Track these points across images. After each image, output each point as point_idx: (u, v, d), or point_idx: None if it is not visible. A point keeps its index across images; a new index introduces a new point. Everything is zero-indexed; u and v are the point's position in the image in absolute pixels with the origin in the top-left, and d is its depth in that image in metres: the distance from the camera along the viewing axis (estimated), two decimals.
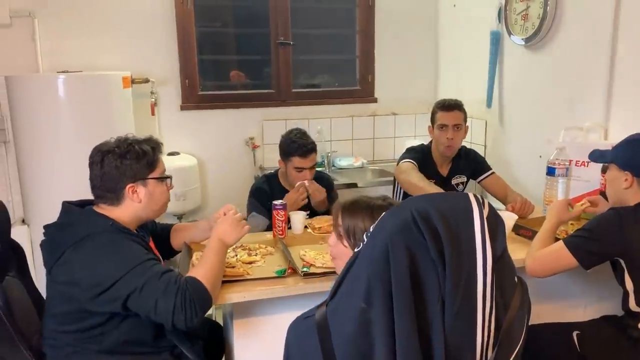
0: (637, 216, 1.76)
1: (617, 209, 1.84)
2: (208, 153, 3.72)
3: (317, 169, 3.38)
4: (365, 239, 1.05)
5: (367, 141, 4.12)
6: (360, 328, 0.99)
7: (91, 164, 1.72)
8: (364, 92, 4.06)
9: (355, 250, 1.07)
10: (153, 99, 3.46)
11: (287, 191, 2.60)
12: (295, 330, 1.10)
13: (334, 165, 3.90)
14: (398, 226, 1.01)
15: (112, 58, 3.37)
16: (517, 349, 1.11)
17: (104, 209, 1.73)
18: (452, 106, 2.73)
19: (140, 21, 3.44)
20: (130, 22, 3.42)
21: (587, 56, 2.64)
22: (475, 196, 1.06)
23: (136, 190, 1.72)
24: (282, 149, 2.59)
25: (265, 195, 2.58)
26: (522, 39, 3.04)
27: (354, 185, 3.52)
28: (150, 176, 1.74)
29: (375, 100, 4.07)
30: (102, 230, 1.66)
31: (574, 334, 1.92)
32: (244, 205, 2.62)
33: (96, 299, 1.57)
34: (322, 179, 2.78)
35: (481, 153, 3.51)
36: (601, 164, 2.28)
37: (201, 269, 1.65)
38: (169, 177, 1.82)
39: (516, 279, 1.12)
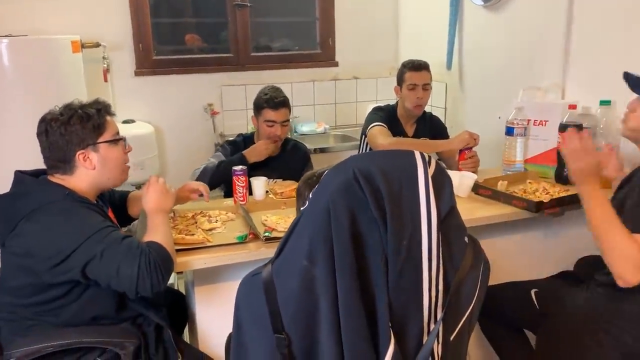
0: None
1: None
2: (165, 120, 3.61)
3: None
4: (311, 197, 1.04)
5: (330, 106, 4.07)
6: (304, 285, 0.99)
7: (38, 135, 1.65)
8: (325, 56, 3.99)
9: (301, 209, 1.06)
10: (105, 65, 3.31)
11: None
12: (244, 287, 1.09)
13: (296, 131, 3.84)
14: (339, 185, 0.99)
15: (60, 22, 3.19)
16: (469, 309, 1.10)
17: (61, 179, 1.66)
18: (421, 66, 2.76)
19: None
20: None
21: (545, 16, 2.65)
22: (421, 154, 1.04)
23: (88, 157, 1.65)
24: (255, 104, 2.59)
25: (237, 149, 2.59)
26: None
27: (318, 151, 3.50)
28: (99, 140, 1.66)
29: (336, 64, 4.01)
30: (57, 199, 1.59)
31: (532, 291, 1.93)
32: None
33: (53, 270, 1.52)
34: (298, 150, 2.76)
35: (441, 115, 3.53)
36: (559, 124, 2.31)
37: (156, 234, 1.61)
38: (122, 138, 1.75)
39: (467, 239, 1.10)
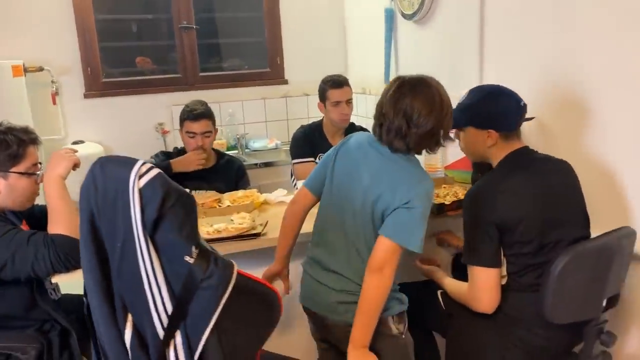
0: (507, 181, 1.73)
1: (480, 188, 1.78)
2: (117, 140, 3.70)
3: (230, 152, 3.46)
4: None
5: (281, 122, 4.17)
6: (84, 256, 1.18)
7: None
8: (274, 74, 4.11)
9: None
10: (54, 88, 3.42)
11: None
12: None
13: (247, 147, 3.94)
14: (85, 180, 1.14)
15: (5, 47, 3.28)
16: (210, 325, 1.17)
17: None
18: (342, 83, 2.83)
19: (34, 9, 3.37)
20: (23, 10, 3.35)
21: (462, 28, 2.75)
22: (142, 165, 1.12)
23: None
24: (179, 117, 2.67)
25: (169, 159, 2.66)
26: (410, 15, 3.15)
27: (270, 165, 3.66)
28: (12, 170, 1.71)
29: (285, 82, 4.13)
30: None
31: (439, 292, 1.96)
32: None
33: None
34: (232, 164, 2.83)
35: None
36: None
37: (59, 223, 1.66)
38: (35, 173, 1.77)
39: (189, 259, 1.15)
